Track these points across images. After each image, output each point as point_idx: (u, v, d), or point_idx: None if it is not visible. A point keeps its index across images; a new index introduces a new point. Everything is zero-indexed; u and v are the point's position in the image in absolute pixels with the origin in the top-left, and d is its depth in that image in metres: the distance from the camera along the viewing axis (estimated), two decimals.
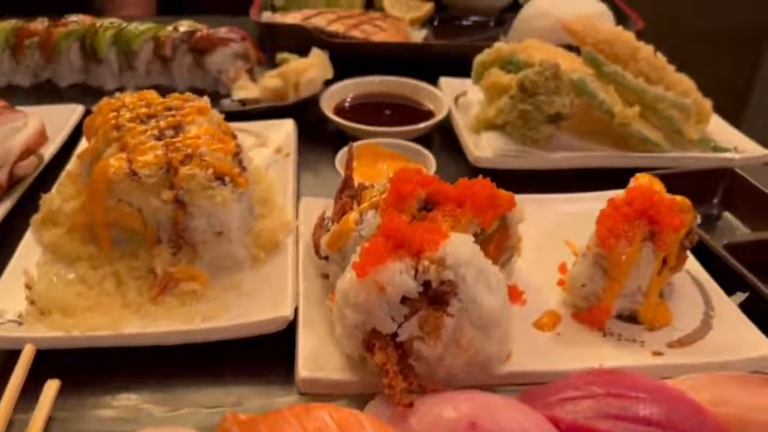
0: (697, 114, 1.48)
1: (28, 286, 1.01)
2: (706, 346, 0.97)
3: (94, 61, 1.71)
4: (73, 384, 0.91)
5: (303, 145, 1.46)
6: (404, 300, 0.82)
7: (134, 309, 1.00)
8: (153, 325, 0.97)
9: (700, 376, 0.83)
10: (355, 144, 1.35)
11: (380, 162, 1.39)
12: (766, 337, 0.97)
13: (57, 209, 1.12)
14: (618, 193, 1.03)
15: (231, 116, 1.29)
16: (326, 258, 1.02)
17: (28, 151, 1.31)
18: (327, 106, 1.58)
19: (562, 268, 1.10)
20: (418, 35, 2.02)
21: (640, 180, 1.06)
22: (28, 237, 1.12)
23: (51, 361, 0.93)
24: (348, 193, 1.09)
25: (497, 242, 1.01)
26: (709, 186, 1.34)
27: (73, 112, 1.50)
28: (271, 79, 1.61)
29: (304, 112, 1.59)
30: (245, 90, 1.64)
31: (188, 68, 1.71)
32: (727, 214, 1.33)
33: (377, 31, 1.90)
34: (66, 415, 0.88)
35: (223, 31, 1.72)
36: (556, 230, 1.18)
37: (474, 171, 1.39)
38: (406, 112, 1.63)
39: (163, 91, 1.24)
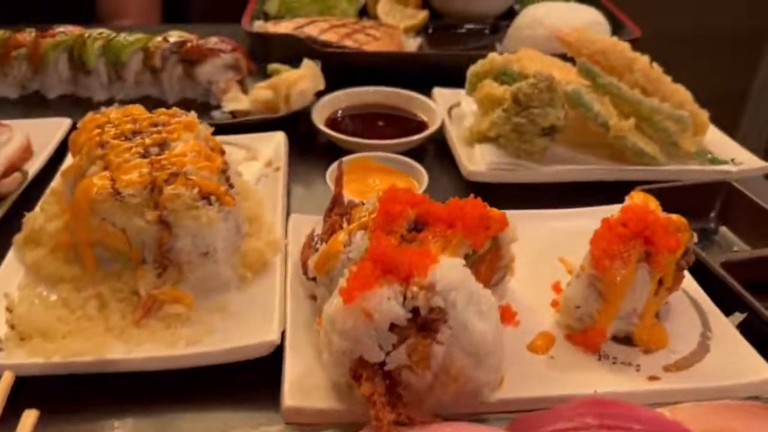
0: (694, 125, 1.46)
1: (9, 309, 0.99)
2: (703, 370, 0.95)
3: (83, 72, 1.68)
4: (52, 412, 0.88)
5: (294, 157, 1.44)
6: (392, 327, 0.80)
7: (117, 333, 0.97)
8: (136, 350, 0.94)
9: (698, 405, 0.81)
10: (346, 158, 1.33)
11: (371, 176, 1.36)
12: (765, 360, 0.95)
13: (40, 228, 1.10)
14: (613, 210, 1.01)
15: (221, 128, 1.28)
16: (314, 279, 1.00)
17: (12, 168, 1.28)
18: (318, 118, 1.56)
19: (557, 287, 1.08)
20: (413, 43, 2.00)
21: (635, 198, 1.04)
22: (11, 257, 1.10)
23: (30, 388, 0.90)
24: (338, 211, 1.07)
25: (489, 263, 0.99)
26: (705, 200, 1.32)
27: (60, 126, 1.46)
28: (261, 91, 1.59)
29: (296, 124, 1.57)
30: (236, 101, 1.61)
31: (178, 79, 1.68)
32: (724, 229, 1.31)
33: (370, 41, 1.88)
34: None
35: (213, 42, 1.69)
36: (550, 247, 1.15)
37: (467, 184, 1.37)
38: (400, 123, 1.61)
39: (153, 102, 1.22)
